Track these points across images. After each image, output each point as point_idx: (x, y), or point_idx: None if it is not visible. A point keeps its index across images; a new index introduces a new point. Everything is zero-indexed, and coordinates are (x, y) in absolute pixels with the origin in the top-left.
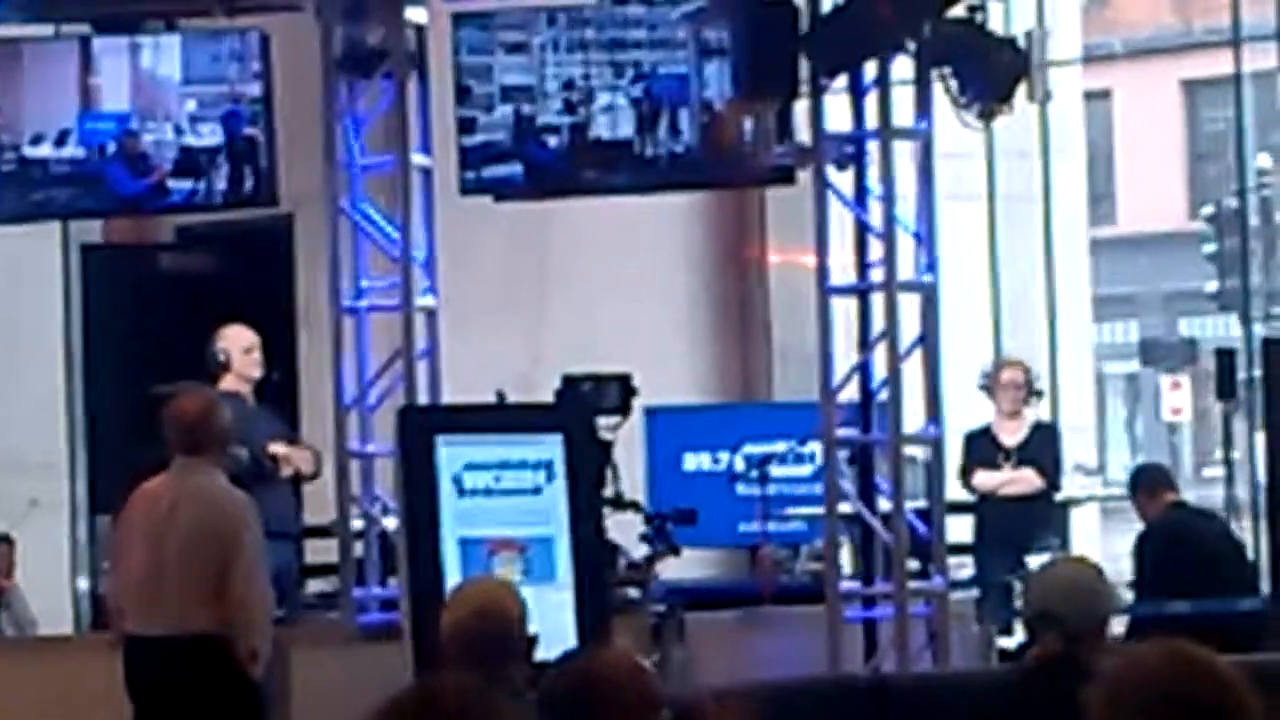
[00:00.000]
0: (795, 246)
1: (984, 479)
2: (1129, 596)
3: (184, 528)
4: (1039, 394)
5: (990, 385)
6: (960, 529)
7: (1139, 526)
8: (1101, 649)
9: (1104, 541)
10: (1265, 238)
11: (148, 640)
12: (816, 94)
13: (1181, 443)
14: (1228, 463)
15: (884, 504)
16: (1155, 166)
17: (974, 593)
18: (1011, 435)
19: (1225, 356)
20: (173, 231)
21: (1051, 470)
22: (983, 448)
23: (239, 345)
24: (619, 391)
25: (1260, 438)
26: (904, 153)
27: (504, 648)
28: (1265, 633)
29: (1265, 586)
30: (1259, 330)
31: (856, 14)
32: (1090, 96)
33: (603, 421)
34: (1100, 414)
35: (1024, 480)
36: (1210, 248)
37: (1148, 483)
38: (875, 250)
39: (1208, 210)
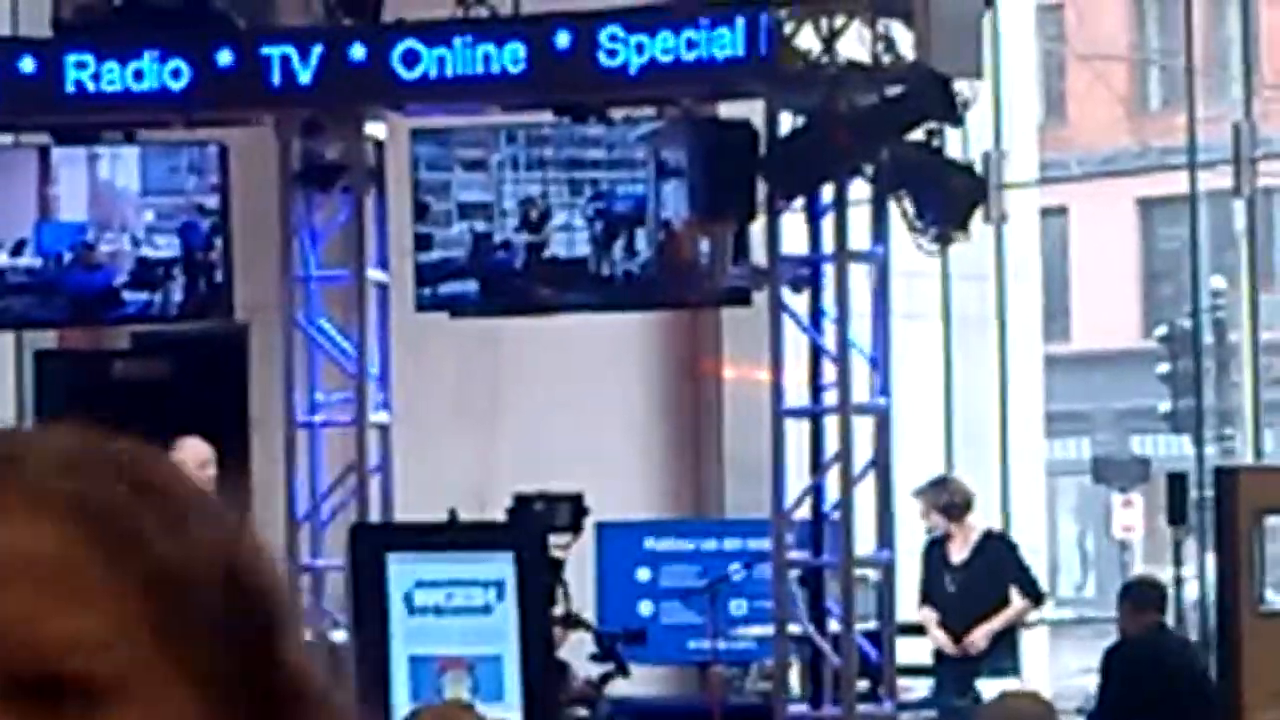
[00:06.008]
0: (749, 362)
1: (937, 637)
2: None
3: None
4: (968, 504)
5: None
6: (910, 650)
7: (1091, 646)
8: None
9: (1053, 661)
10: (1218, 358)
11: None
12: (773, 215)
13: (1133, 560)
14: (1178, 581)
15: (834, 625)
16: (1110, 284)
17: (925, 714)
18: (958, 552)
19: (1177, 481)
20: (128, 338)
21: (1024, 583)
22: (934, 563)
23: (194, 459)
24: (571, 510)
25: (1211, 558)
26: (860, 273)
27: None
28: None
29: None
30: (1211, 450)
31: (814, 138)
32: (1046, 213)
33: (554, 540)
34: (1051, 530)
35: (1000, 619)
36: (1164, 367)
37: (1136, 597)
38: (829, 373)
39: (1162, 330)
